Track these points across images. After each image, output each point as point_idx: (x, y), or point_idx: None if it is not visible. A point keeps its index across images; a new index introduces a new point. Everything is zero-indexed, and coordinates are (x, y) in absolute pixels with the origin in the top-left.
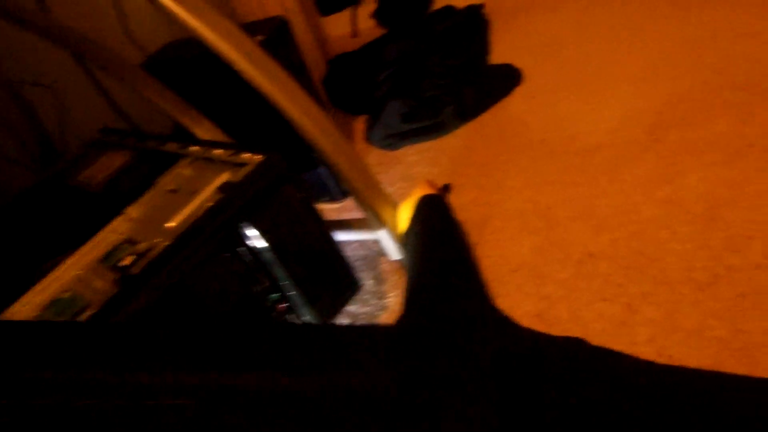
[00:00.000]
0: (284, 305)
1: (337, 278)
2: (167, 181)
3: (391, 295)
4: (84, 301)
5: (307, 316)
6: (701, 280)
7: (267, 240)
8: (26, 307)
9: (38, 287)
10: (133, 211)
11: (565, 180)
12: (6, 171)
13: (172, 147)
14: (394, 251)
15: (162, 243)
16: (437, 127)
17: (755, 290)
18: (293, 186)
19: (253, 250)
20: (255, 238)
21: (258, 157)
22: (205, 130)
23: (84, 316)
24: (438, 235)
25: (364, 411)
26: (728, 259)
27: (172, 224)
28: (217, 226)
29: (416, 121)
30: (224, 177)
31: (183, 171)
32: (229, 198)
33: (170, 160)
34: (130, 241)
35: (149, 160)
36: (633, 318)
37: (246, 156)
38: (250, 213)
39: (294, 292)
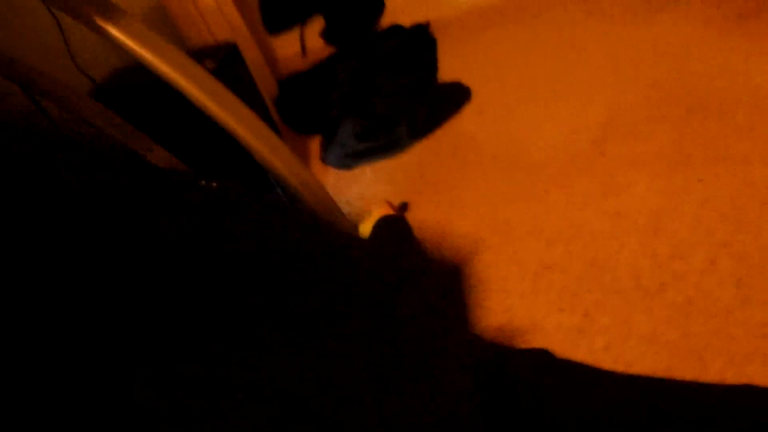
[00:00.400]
0: None
1: None
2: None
3: None
4: None
5: None
6: (650, 287)
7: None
8: None
9: None
10: None
11: (517, 195)
12: None
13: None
14: None
15: None
16: (391, 145)
17: (701, 295)
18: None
19: None
20: None
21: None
22: (159, 159)
23: None
24: (392, 257)
25: None
26: (674, 266)
27: None
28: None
29: (371, 140)
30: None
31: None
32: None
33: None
34: None
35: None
36: (590, 327)
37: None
38: None
39: None
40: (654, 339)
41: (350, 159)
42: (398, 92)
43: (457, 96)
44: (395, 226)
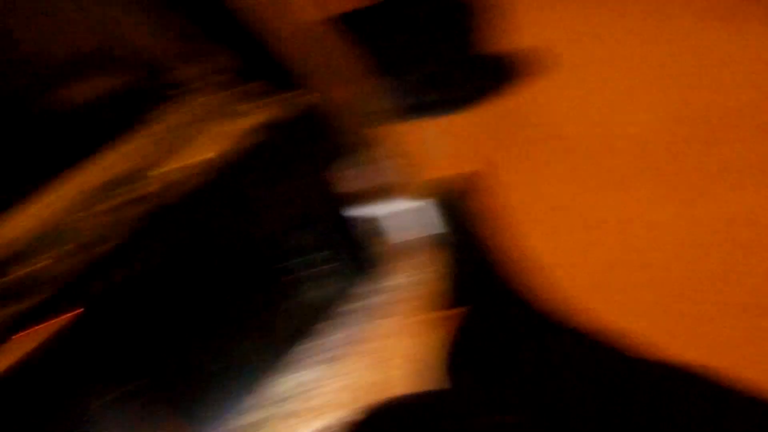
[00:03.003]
0: (291, 276)
1: (351, 255)
2: (173, 115)
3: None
4: (81, 232)
5: (315, 293)
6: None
7: (282, 200)
8: (8, 231)
9: (22, 212)
10: (138, 138)
11: (587, 182)
12: None
13: (182, 74)
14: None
15: (187, 180)
16: (453, 102)
17: None
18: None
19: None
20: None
21: (301, 96)
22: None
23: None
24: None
25: None
26: None
27: (195, 160)
28: (256, 169)
29: (431, 93)
30: (258, 116)
31: (199, 102)
32: (272, 139)
33: (179, 88)
34: (138, 173)
35: (145, 86)
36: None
37: (284, 95)
38: (282, 168)
39: (314, 265)
40: None
41: (408, 110)
42: (466, 47)
43: (528, 63)
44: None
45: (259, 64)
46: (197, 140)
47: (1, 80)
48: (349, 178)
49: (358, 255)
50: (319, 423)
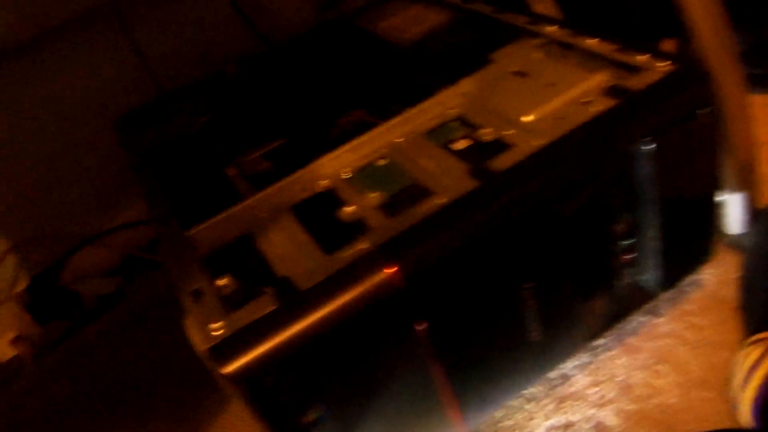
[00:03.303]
0: (631, 256)
1: (699, 239)
2: (509, 60)
3: (707, 271)
4: (408, 176)
5: (647, 276)
6: None
7: (657, 172)
8: (334, 162)
9: (346, 146)
10: (467, 85)
11: None
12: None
13: (513, 19)
14: (734, 223)
15: (526, 141)
16: None
17: None
18: (711, 114)
19: (631, 181)
20: (642, 166)
21: (664, 64)
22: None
23: (429, 203)
24: None
25: None
26: None
27: (529, 118)
28: (609, 139)
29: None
30: (602, 77)
31: (531, 53)
32: (627, 107)
33: (507, 35)
34: (464, 122)
35: (476, 27)
36: None
37: (641, 58)
38: (654, 134)
39: (652, 244)
40: None
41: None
42: None
43: None
44: None
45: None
46: (555, 88)
47: None
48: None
49: (694, 243)
50: (565, 417)
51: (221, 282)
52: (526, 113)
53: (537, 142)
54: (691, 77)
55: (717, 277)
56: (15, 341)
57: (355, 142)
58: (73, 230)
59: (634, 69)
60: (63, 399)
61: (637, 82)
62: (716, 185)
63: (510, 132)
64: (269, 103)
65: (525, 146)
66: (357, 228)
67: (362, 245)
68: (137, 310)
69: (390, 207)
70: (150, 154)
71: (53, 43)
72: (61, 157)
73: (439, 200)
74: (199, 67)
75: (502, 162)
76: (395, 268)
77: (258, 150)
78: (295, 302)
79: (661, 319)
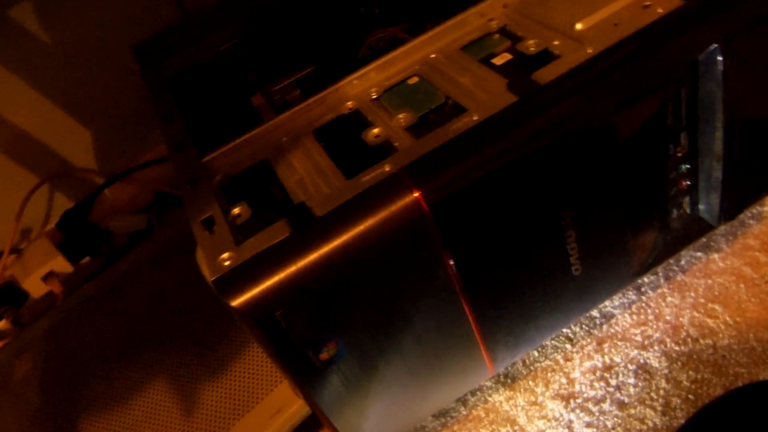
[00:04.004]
0: (687, 183)
1: (763, 168)
2: None
3: None
4: (441, 94)
5: (705, 206)
6: None
7: (724, 86)
8: (362, 81)
9: (375, 63)
10: None
11: None
12: None
13: None
14: None
15: (574, 51)
16: None
17: None
18: None
19: (695, 96)
20: (708, 78)
21: None
22: None
23: (460, 122)
24: None
25: None
26: None
27: (581, 25)
28: (670, 47)
29: None
30: None
31: None
32: (694, 9)
33: None
34: (506, 33)
35: None
36: None
37: None
38: (724, 41)
39: (713, 170)
40: None
41: None
42: None
43: None
44: None
45: None
46: None
47: None
48: None
49: (761, 169)
50: (606, 358)
51: (236, 210)
52: (577, 20)
53: (587, 52)
54: None
55: None
56: (47, 277)
57: (384, 60)
58: (102, 166)
59: None
60: (92, 333)
61: None
62: None
63: (557, 42)
64: (300, 26)
65: (573, 57)
66: (383, 151)
67: (385, 169)
68: (166, 245)
69: (419, 127)
70: (171, 82)
71: None
72: (86, 90)
73: (471, 118)
74: None
75: (546, 75)
76: (417, 194)
77: (287, 77)
78: (308, 229)
79: (717, 255)
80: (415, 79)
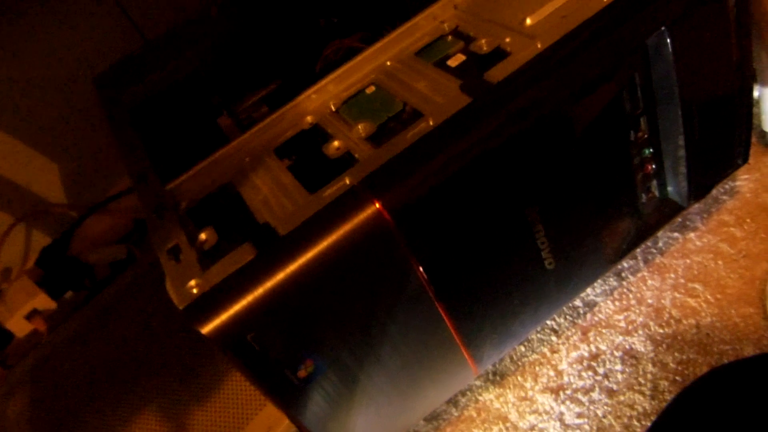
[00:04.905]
0: (652, 167)
1: (731, 142)
2: None
3: (742, 176)
4: (399, 102)
5: (673, 187)
6: None
7: (676, 67)
8: (320, 95)
9: (331, 76)
10: None
11: None
12: None
13: None
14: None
15: (525, 47)
16: None
17: None
18: None
19: (647, 80)
20: (658, 61)
21: None
22: None
23: (417, 128)
24: None
25: None
26: None
27: (530, 21)
28: (618, 34)
29: None
30: None
31: None
32: None
33: None
34: (458, 35)
35: None
36: None
37: None
38: (670, 23)
39: (677, 151)
40: None
41: None
42: None
43: None
44: None
45: None
46: None
47: None
48: None
49: (725, 146)
50: (592, 347)
51: (202, 235)
52: (527, 15)
53: (537, 47)
54: None
55: (754, 182)
56: (30, 316)
57: (340, 71)
58: (77, 200)
59: None
60: (80, 367)
61: None
62: (748, 79)
63: (509, 39)
64: (262, 43)
65: (524, 53)
66: (345, 163)
67: (346, 181)
68: (146, 273)
69: (378, 137)
70: (133, 111)
71: (30, 4)
72: (53, 125)
73: (428, 123)
74: (182, 11)
75: (498, 73)
76: (378, 204)
77: (253, 95)
78: (273, 250)
79: (694, 234)
80: (372, 89)
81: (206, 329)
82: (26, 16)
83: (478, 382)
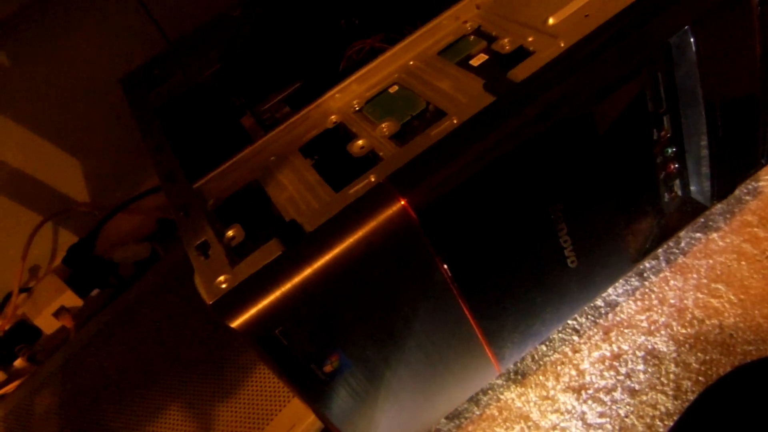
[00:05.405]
0: (675, 166)
1: (754, 141)
2: None
3: (766, 177)
4: (422, 100)
5: (697, 187)
6: None
7: (700, 67)
8: (344, 95)
9: (355, 75)
10: None
11: None
12: None
13: None
14: None
15: (548, 46)
16: None
17: None
18: None
19: (671, 79)
20: (682, 60)
21: None
22: None
23: (441, 127)
24: None
25: None
26: None
27: (552, 20)
28: (641, 33)
29: None
30: None
31: None
32: None
33: None
34: (481, 34)
35: None
36: None
37: None
38: (694, 22)
39: (700, 150)
40: None
41: None
42: None
43: None
44: None
45: None
46: None
47: None
48: None
49: (748, 145)
50: (614, 347)
51: (230, 232)
52: (549, 15)
53: (560, 46)
54: None
55: None
56: (58, 313)
57: (364, 71)
58: (103, 199)
59: None
60: (107, 363)
61: None
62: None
63: (531, 38)
64: (282, 44)
65: (548, 52)
66: (369, 161)
67: (371, 179)
68: (171, 271)
69: (402, 135)
70: (159, 112)
71: (56, 9)
72: (80, 125)
73: (452, 122)
74: (205, 11)
75: (521, 72)
76: (403, 201)
77: (275, 95)
78: (300, 246)
79: (716, 234)
80: (395, 88)
81: (235, 323)
82: (52, 18)
83: (499, 381)
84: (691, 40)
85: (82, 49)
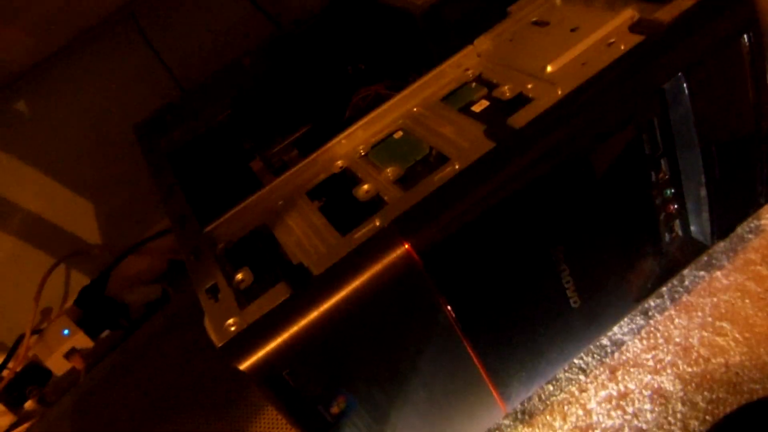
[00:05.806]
0: (675, 206)
1: (753, 180)
2: (528, 10)
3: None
4: (425, 146)
5: (697, 227)
6: None
7: (695, 110)
8: (350, 140)
9: (361, 122)
10: (484, 42)
11: None
12: None
13: None
14: None
15: (547, 93)
16: None
17: None
18: (753, 38)
19: (667, 123)
20: (677, 104)
21: None
22: None
23: (444, 171)
24: None
25: None
26: None
27: (551, 68)
28: (636, 80)
29: None
30: (628, 14)
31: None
32: (655, 42)
33: None
34: (482, 81)
35: None
36: None
37: None
38: (688, 68)
39: (699, 191)
40: None
41: None
42: None
43: None
44: None
45: None
46: (578, 32)
47: None
48: None
49: (747, 184)
50: (621, 386)
51: (239, 275)
52: (548, 63)
53: (559, 93)
54: (723, 4)
55: None
56: (69, 354)
57: (369, 117)
58: (115, 240)
59: (657, 1)
60: (117, 404)
61: (666, 13)
62: (766, 118)
63: (531, 85)
64: (290, 90)
65: (546, 99)
66: (374, 205)
67: (376, 223)
68: (181, 313)
69: (406, 180)
70: (171, 157)
71: (72, 58)
72: (92, 169)
73: (454, 167)
74: (217, 59)
75: (521, 118)
76: (407, 245)
77: (284, 139)
78: (307, 289)
79: (720, 272)
80: (399, 134)
81: (244, 366)
82: (68, 67)
83: (507, 422)
84: (684, 85)
85: (98, 95)
